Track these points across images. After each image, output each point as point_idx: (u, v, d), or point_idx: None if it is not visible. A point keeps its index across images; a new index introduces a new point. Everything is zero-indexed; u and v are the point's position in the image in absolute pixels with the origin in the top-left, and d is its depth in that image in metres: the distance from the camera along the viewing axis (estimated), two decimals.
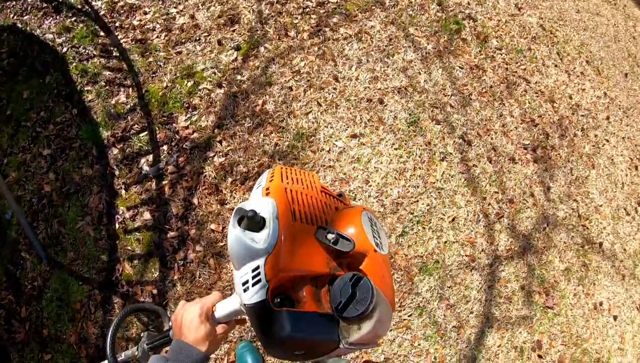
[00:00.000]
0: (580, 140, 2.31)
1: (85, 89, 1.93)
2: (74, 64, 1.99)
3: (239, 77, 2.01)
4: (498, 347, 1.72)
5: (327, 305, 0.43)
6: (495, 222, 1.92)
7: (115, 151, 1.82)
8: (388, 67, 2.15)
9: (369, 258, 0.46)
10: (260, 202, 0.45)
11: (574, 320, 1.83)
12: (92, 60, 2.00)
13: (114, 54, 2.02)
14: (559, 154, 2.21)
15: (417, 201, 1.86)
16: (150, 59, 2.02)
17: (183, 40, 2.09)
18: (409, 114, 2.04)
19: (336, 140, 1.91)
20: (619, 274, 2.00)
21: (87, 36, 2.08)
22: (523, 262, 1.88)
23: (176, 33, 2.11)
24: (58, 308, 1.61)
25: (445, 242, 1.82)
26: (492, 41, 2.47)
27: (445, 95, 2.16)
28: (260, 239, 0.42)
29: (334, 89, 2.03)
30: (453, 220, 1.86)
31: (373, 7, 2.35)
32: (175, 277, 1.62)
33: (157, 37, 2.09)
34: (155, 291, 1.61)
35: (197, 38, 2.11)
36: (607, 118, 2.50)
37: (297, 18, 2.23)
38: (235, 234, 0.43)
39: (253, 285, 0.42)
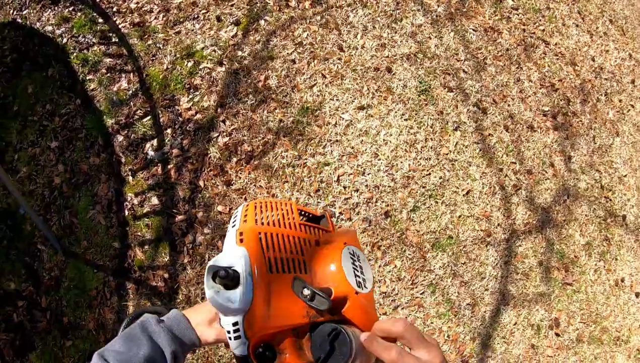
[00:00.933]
0: (603, 106, 2.11)
1: (87, 78, 1.84)
2: (75, 54, 1.90)
3: (239, 53, 1.88)
4: (514, 324, 1.63)
5: (309, 353, 0.42)
6: (512, 194, 1.79)
7: (120, 138, 1.75)
8: (396, 33, 1.98)
9: (350, 301, 0.43)
10: (233, 254, 0.42)
11: (594, 297, 1.72)
12: (92, 48, 1.90)
13: (113, 40, 1.92)
14: (580, 121, 2.02)
15: (430, 174, 1.74)
16: (150, 42, 1.91)
17: (181, 20, 1.96)
18: (419, 82, 1.88)
19: (343, 113, 1.78)
20: None
21: (85, 24, 1.97)
22: (542, 237, 1.76)
23: (174, 13, 1.98)
24: (76, 296, 1.60)
25: (460, 217, 1.71)
26: (507, 1, 2.24)
27: (458, 61, 1.98)
28: (235, 299, 0.40)
29: (339, 59, 1.88)
30: (467, 193, 1.74)
31: None
32: (185, 261, 1.58)
33: (155, 18, 1.97)
34: (166, 275, 1.58)
35: (196, 16, 1.98)
36: (632, 81, 2.26)
37: None
38: (210, 294, 0.40)
39: (234, 339, 0.41)
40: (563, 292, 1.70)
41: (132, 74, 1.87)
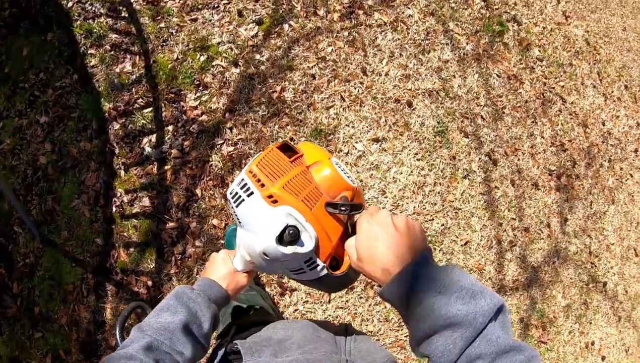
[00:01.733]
0: (605, 172, 2.11)
1: (89, 52, 1.64)
2: (79, 22, 1.68)
3: (257, 56, 1.72)
4: None
5: None
6: (507, 250, 1.77)
7: (117, 126, 1.58)
8: (422, 65, 1.87)
9: (355, 194, 0.53)
10: (276, 216, 0.47)
11: (564, 356, 1.75)
12: (99, 19, 1.68)
13: (123, 14, 1.71)
14: (582, 185, 2.01)
15: (433, 220, 1.68)
16: (162, 25, 1.71)
17: (199, 6, 1.76)
18: (438, 122, 1.80)
19: (356, 142, 1.68)
20: (616, 315, 1.90)
21: None
22: (527, 294, 1.75)
23: None
24: (50, 287, 1.46)
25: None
26: (534, 50, 2.17)
27: (478, 105, 1.91)
28: (308, 245, 0.47)
29: (361, 83, 1.76)
30: (466, 244, 1.70)
31: None
32: (172, 271, 1.46)
33: None
34: (150, 282, 1.46)
35: (216, 5, 1.79)
36: (636, 151, 2.28)
37: None
38: (290, 253, 0.47)
39: (311, 270, 0.49)
40: (537, 349, 1.72)
41: (138, 56, 1.68)
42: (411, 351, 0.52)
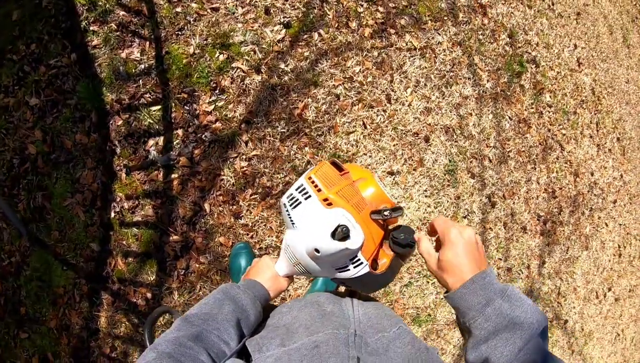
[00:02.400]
0: (585, 220, 2.25)
1: (91, 28, 1.41)
2: None
3: (282, 65, 1.58)
4: None
5: (389, 252, 0.58)
6: None
7: (119, 122, 1.41)
8: (444, 98, 1.82)
9: (393, 206, 0.58)
10: (331, 216, 0.52)
11: None
12: None
13: None
14: (563, 231, 2.14)
15: None
16: (179, 9, 1.50)
17: None
18: (449, 161, 1.79)
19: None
20: (570, 349, 2.12)
21: None
22: None
23: None
24: (38, 288, 1.34)
25: (442, 299, 1.74)
26: (545, 95, 2.18)
27: (488, 146, 1.92)
28: (357, 242, 0.52)
29: (384, 111, 1.69)
30: None
31: (445, 18, 1.91)
32: (174, 285, 1.39)
33: None
34: (149, 295, 1.39)
35: None
36: (614, 201, 2.44)
37: (362, 5, 1.75)
38: (341, 248, 0.52)
39: (355, 267, 0.54)
40: None
41: (148, 43, 1.48)
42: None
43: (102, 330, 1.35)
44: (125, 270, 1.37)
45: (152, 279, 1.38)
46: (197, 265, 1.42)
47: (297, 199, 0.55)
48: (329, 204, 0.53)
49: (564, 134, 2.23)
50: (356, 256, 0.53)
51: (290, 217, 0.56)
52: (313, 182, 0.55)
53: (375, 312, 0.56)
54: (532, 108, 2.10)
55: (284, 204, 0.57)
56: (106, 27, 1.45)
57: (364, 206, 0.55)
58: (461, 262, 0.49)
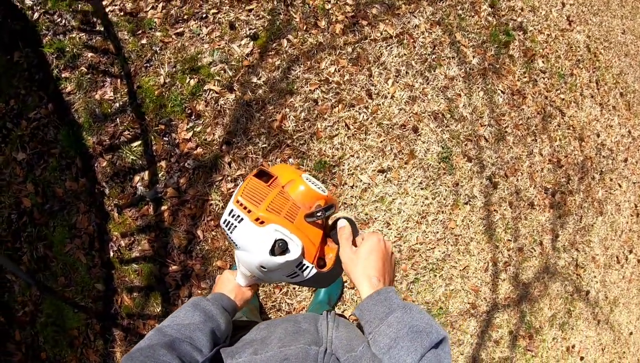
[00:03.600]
0: (596, 185, 2.04)
1: (63, 75, 1.35)
2: (48, 37, 1.36)
3: (254, 79, 1.47)
4: None
5: (334, 245, 0.58)
6: (502, 270, 1.72)
7: (104, 163, 1.35)
8: (428, 83, 1.66)
9: (327, 200, 0.58)
10: (266, 234, 0.52)
11: (547, 361, 1.80)
12: (70, 34, 1.37)
13: (98, 27, 1.39)
14: (574, 200, 1.95)
15: (434, 248, 1.59)
16: (144, 41, 1.42)
17: (185, 17, 1.46)
18: (442, 148, 1.64)
19: (361, 174, 1.52)
20: (596, 319, 1.95)
21: None
22: (517, 309, 1.75)
23: (177, 5, 1.46)
24: (55, 333, 1.32)
25: (453, 290, 1.62)
26: (538, 61, 1.97)
27: (482, 126, 1.75)
28: (296, 252, 0.53)
29: (366, 108, 1.56)
30: (464, 268, 1.64)
31: None
32: None
33: (153, 8, 1.45)
34: (158, 325, 1.35)
35: (204, 15, 1.48)
36: (625, 160, 2.20)
37: (329, 2, 1.60)
38: (282, 262, 0.52)
39: (303, 271, 0.55)
40: (523, 357, 1.76)
41: (119, 80, 1.41)
42: None
43: None
44: (132, 305, 1.33)
45: (158, 310, 1.34)
46: (199, 292, 1.36)
47: (232, 223, 0.54)
48: (262, 223, 0.52)
49: (563, 99, 2.01)
50: (301, 262, 0.53)
51: (231, 239, 0.56)
52: (241, 204, 0.54)
53: (347, 334, 0.54)
54: (525, 77, 1.90)
55: (223, 229, 0.57)
56: (77, 72, 1.38)
57: (296, 212, 0.54)
58: (374, 263, 0.51)
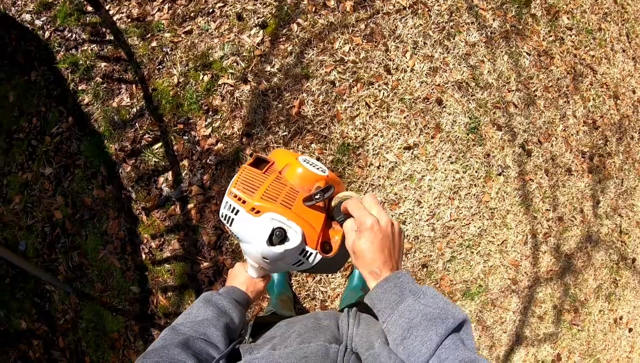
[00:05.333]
0: (635, 145, 1.77)
1: (79, 88, 1.26)
2: (61, 54, 1.27)
3: (268, 67, 1.33)
4: (523, 361, 1.49)
5: (339, 228, 0.51)
6: (542, 242, 1.52)
7: (128, 168, 1.25)
8: (449, 52, 1.46)
9: (328, 181, 0.52)
10: (263, 223, 0.47)
11: (594, 334, 1.59)
12: (82, 47, 1.28)
13: (108, 37, 1.29)
14: (613, 162, 1.69)
15: (469, 224, 1.41)
16: (154, 43, 1.30)
17: (192, 15, 1.33)
18: (470, 118, 1.44)
19: (387, 153, 1.35)
20: None
21: (71, 14, 1.30)
22: (560, 282, 1.54)
23: (182, 4, 1.33)
24: (96, 337, 1.26)
25: (492, 266, 1.44)
26: (562, 18, 1.70)
27: (510, 91, 1.53)
28: (295, 240, 0.47)
29: (385, 84, 1.38)
30: (502, 243, 1.45)
31: None
32: None
33: (159, 10, 1.32)
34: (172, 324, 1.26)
35: (210, 10, 1.34)
36: None
37: None
38: (281, 251, 0.47)
39: (307, 258, 0.49)
40: (569, 332, 1.56)
41: (134, 85, 1.30)
42: None
43: None
44: (168, 305, 1.25)
45: None
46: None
47: (229, 216, 0.49)
48: (257, 212, 0.47)
49: (593, 56, 1.74)
50: (303, 249, 0.48)
51: (232, 232, 0.51)
52: (235, 196, 0.48)
53: (367, 330, 0.49)
54: (551, 36, 1.65)
55: (223, 223, 0.51)
56: (92, 83, 1.29)
57: (295, 197, 0.49)
58: (373, 254, 0.44)
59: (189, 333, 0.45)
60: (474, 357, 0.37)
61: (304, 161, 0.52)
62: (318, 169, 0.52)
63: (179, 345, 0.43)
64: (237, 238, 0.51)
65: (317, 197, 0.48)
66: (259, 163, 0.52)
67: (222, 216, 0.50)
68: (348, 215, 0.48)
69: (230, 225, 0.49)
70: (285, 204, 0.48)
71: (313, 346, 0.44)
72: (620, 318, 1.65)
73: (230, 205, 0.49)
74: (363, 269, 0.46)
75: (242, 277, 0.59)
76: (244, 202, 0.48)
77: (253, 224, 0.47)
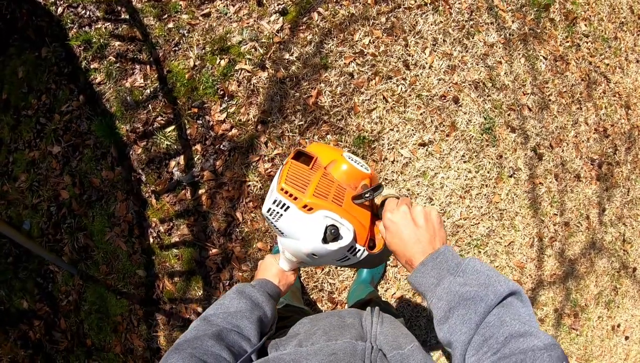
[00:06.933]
0: None
1: (92, 66, 1.20)
2: (74, 31, 1.21)
3: (286, 55, 1.28)
4: None
5: (381, 224, 0.50)
6: (548, 246, 1.50)
7: (139, 150, 1.20)
8: (467, 51, 1.42)
9: (372, 179, 0.52)
10: (316, 221, 0.46)
11: (591, 340, 1.57)
12: (96, 25, 1.22)
13: (123, 16, 1.23)
14: (621, 171, 1.67)
15: (478, 224, 1.38)
16: (170, 25, 1.24)
17: None
18: (485, 118, 1.40)
19: (401, 148, 1.32)
20: None
21: None
22: (562, 287, 1.52)
23: None
24: (99, 320, 1.22)
25: (498, 267, 1.42)
26: (580, 24, 1.67)
27: (525, 94, 1.49)
28: (347, 237, 0.46)
29: (404, 79, 1.34)
30: (509, 244, 1.43)
31: None
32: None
33: None
34: (200, 309, 1.22)
35: None
36: None
37: None
38: (336, 248, 0.46)
39: (354, 255, 0.49)
40: (567, 336, 1.55)
41: (148, 66, 1.25)
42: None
43: (163, 348, 1.21)
44: (174, 290, 1.21)
45: (200, 294, 1.21)
46: (240, 274, 1.21)
47: (278, 212, 0.48)
48: (310, 209, 0.46)
49: (608, 64, 1.71)
50: (353, 246, 0.48)
51: (276, 228, 0.49)
52: (286, 191, 0.47)
53: (392, 330, 0.48)
54: (568, 42, 1.62)
55: (267, 217, 0.49)
56: (105, 62, 1.23)
57: (343, 194, 0.49)
58: (401, 245, 0.45)
59: (222, 324, 0.44)
60: (523, 329, 0.34)
61: (349, 158, 0.51)
62: (362, 166, 0.51)
63: (213, 336, 0.41)
64: (282, 234, 0.49)
65: (367, 195, 0.47)
66: (301, 157, 0.51)
67: (267, 211, 0.48)
68: None
69: (277, 220, 0.48)
70: (336, 201, 0.47)
71: (340, 343, 0.43)
72: (618, 325, 1.64)
73: (279, 200, 0.47)
74: (402, 263, 0.46)
75: (274, 270, 0.58)
76: (295, 198, 0.46)
77: (305, 221, 0.46)
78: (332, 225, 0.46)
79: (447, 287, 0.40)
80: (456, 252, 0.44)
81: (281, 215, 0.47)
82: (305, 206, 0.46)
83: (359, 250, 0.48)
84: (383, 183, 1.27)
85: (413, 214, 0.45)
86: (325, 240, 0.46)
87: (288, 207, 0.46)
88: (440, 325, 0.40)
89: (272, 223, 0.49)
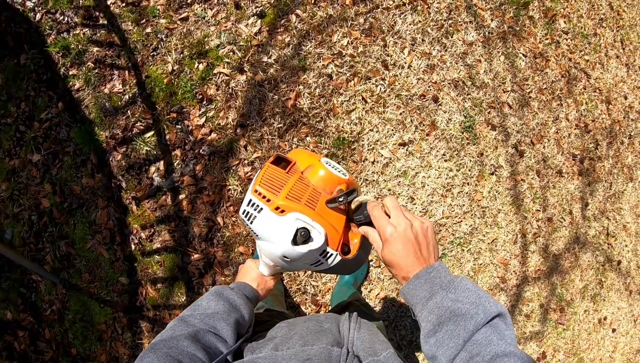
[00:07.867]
0: (625, 150, 1.75)
1: (70, 73, 1.19)
2: (52, 37, 1.19)
3: (264, 58, 1.27)
4: None
5: (357, 230, 0.50)
6: (531, 242, 1.49)
7: (118, 157, 1.19)
8: (446, 51, 1.41)
9: (349, 184, 0.51)
10: (287, 223, 0.46)
11: (578, 333, 1.57)
12: (74, 31, 1.20)
13: (101, 21, 1.21)
14: (603, 166, 1.67)
15: (461, 222, 1.38)
16: (148, 29, 1.23)
17: (189, 1, 1.26)
18: (465, 117, 1.40)
19: (382, 148, 1.31)
20: (627, 290, 1.70)
21: None
22: (547, 282, 1.52)
23: None
24: (83, 329, 1.20)
25: (481, 264, 1.41)
26: (559, 21, 1.67)
27: (505, 92, 1.49)
28: (319, 240, 0.46)
29: (383, 79, 1.33)
30: (492, 241, 1.42)
31: None
32: None
33: None
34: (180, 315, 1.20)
35: None
36: None
37: None
38: (305, 251, 0.46)
39: (327, 259, 0.48)
40: (554, 331, 1.54)
41: (127, 72, 1.23)
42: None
43: None
44: (157, 296, 1.19)
45: (183, 300, 1.19)
46: (223, 279, 1.20)
47: (251, 214, 0.47)
48: (282, 211, 0.46)
49: (587, 60, 1.71)
50: (324, 250, 0.47)
51: (252, 230, 0.49)
52: (260, 193, 0.47)
53: (369, 336, 0.48)
54: (547, 39, 1.61)
55: (243, 219, 0.49)
56: (84, 68, 1.21)
57: (317, 198, 0.48)
58: (400, 262, 0.44)
59: (199, 325, 0.44)
60: (508, 350, 0.35)
61: (327, 163, 0.51)
62: (339, 171, 0.51)
63: (189, 336, 0.41)
64: (257, 236, 0.49)
65: (340, 199, 0.47)
66: (280, 162, 0.51)
67: (243, 213, 0.48)
68: (368, 218, 0.47)
69: (252, 222, 0.48)
70: (309, 205, 0.47)
71: (316, 348, 0.43)
72: (605, 318, 1.63)
73: (253, 202, 0.47)
74: (397, 277, 0.45)
75: (254, 274, 0.57)
76: (268, 200, 0.46)
77: (277, 223, 0.46)
78: (303, 228, 0.45)
79: (439, 301, 0.40)
80: (449, 270, 0.44)
81: (255, 216, 0.47)
82: (277, 208, 0.46)
83: (332, 254, 0.48)
84: (362, 187, 1.26)
85: (414, 230, 0.44)
86: (295, 242, 0.45)
87: (261, 209, 0.47)
88: (427, 338, 0.40)
89: (247, 225, 0.49)
